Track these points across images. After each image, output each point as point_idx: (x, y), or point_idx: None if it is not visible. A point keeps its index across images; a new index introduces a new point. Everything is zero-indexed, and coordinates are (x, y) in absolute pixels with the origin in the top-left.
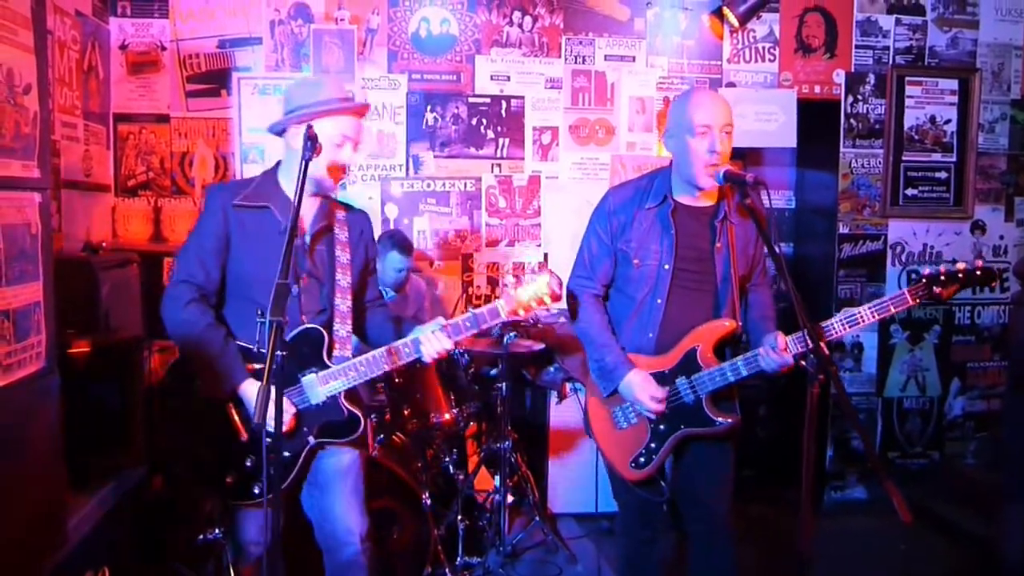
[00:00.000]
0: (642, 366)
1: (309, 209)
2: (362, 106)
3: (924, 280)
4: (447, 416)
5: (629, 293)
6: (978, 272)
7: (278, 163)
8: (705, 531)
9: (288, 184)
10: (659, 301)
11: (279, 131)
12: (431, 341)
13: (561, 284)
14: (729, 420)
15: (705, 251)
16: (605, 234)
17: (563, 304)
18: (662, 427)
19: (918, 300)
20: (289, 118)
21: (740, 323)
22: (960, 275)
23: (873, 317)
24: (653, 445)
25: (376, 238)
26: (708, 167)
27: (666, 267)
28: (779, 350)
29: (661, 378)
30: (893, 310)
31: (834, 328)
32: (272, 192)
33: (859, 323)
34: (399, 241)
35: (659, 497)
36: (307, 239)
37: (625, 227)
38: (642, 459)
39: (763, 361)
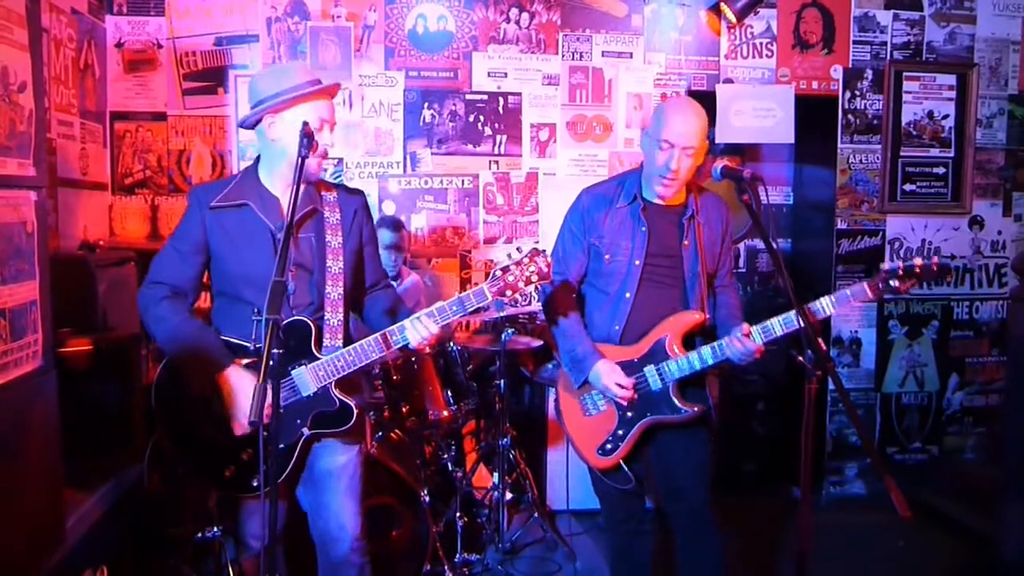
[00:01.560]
0: (612, 355)
1: (288, 199)
2: (333, 86)
3: (884, 273)
4: (445, 413)
5: (600, 287)
6: (934, 268)
7: (257, 159)
8: (687, 522)
9: (268, 178)
10: (628, 295)
11: (252, 124)
12: (417, 327)
13: (549, 264)
14: (694, 409)
15: (673, 248)
16: (578, 230)
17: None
18: (629, 414)
19: (878, 294)
20: (262, 108)
21: (709, 316)
22: (917, 270)
23: (833, 309)
24: (620, 432)
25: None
26: (659, 179)
27: (636, 263)
28: (742, 336)
29: (630, 366)
30: (854, 302)
31: (794, 321)
32: (251, 189)
33: (821, 313)
34: (387, 220)
35: (625, 485)
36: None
37: (597, 224)
38: (609, 446)
39: (728, 349)
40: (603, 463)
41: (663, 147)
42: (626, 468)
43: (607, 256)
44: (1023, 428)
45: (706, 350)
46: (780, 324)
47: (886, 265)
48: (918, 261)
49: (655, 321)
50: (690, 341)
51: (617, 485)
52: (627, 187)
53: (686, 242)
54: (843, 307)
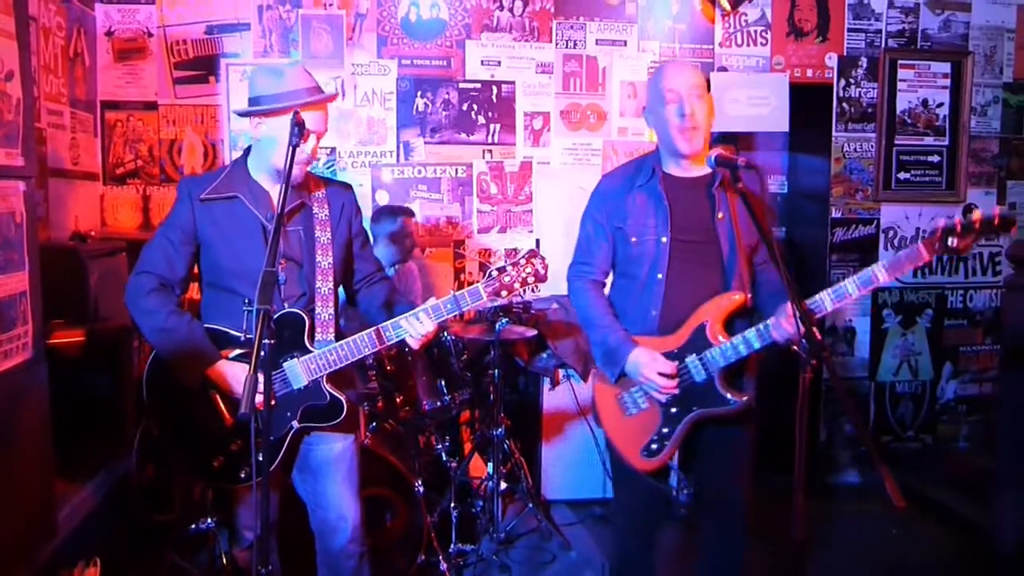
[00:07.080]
0: (650, 347)
1: (277, 193)
2: (329, 97)
3: (940, 231)
4: (439, 403)
5: (631, 273)
6: (995, 220)
7: (247, 150)
8: (718, 524)
9: (258, 172)
10: (659, 276)
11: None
12: (413, 324)
13: (547, 266)
14: (743, 399)
15: (706, 222)
16: (600, 215)
17: (553, 288)
18: (673, 410)
19: (934, 254)
20: (255, 110)
21: (750, 296)
22: (976, 225)
23: (885, 275)
24: (665, 430)
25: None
26: (682, 131)
27: (663, 240)
28: (788, 316)
29: (669, 358)
30: (907, 266)
31: (848, 290)
32: (241, 181)
33: (876, 282)
34: (387, 209)
35: (669, 487)
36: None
37: (619, 207)
38: (654, 446)
39: (775, 331)
40: (649, 465)
41: (670, 98)
42: (675, 470)
43: (634, 239)
44: (1017, 417)
45: (751, 333)
46: (831, 297)
47: (941, 222)
48: (977, 214)
49: (696, 304)
50: (730, 325)
51: (663, 488)
52: (646, 165)
53: (720, 215)
54: (894, 273)
